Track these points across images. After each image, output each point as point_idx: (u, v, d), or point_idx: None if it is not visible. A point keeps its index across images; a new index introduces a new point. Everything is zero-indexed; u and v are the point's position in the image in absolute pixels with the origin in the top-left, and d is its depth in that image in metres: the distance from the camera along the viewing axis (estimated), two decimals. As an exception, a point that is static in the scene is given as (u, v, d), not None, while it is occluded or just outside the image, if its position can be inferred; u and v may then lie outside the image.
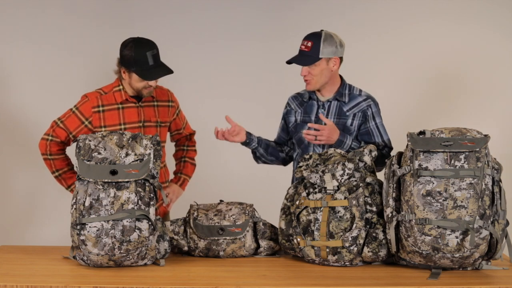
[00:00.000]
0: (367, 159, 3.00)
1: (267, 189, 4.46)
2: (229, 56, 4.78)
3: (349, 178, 2.96)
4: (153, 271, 2.84)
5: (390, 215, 2.83)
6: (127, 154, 2.91)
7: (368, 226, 2.90)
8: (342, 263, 2.90)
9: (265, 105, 4.63)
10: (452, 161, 2.76)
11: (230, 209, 3.14)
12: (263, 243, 3.12)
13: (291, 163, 3.57)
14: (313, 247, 2.91)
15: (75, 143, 2.98)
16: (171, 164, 3.71)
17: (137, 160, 2.90)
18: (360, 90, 3.40)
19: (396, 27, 4.75)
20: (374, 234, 2.89)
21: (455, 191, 2.71)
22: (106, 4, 4.71)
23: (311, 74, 3.30)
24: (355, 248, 2.87)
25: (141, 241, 2.81)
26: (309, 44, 3.28)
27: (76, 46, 4.68)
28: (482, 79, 4.74)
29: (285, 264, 3.01)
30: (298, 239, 2.94)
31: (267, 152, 3.48)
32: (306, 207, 2.96)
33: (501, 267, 2.87)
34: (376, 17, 4.77)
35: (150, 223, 2.83)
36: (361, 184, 2.94)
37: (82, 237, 2.79)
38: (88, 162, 2.88)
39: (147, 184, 2.89)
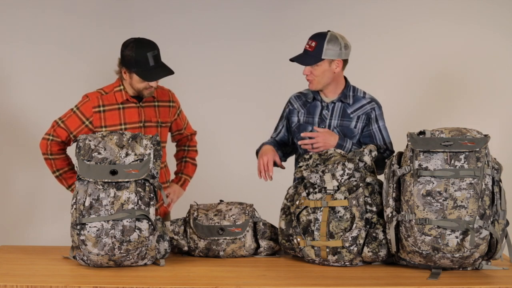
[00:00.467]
0: (367, 159, 3.00)
1: (267, 189, 4.44)
2: (229, 56, 4.78)
3: (349, 178, 2.96)
4: (153, 271, 2.84)
5: (390, 215, 2.83)
6: (127, 154, 2.91)
7: (368, 226, 2.90)
8: (342, 263, 2.90)
9: (265, 105, 4.63)
10: (452, 161, 2.76)
11: (230, 209, 3.14)
12: (263, 243, 3.12)
13: (292, 163, 3.57)
14: (313, 247, 2.91)
15: (75, 143, 2.98)
16: (172, 164, 3.71)
17: (137, 160, 2.90)
18: (364, 93, 3.39)
19: (396, 27, 4.75)
20: (374, 234, 2.89)
21: (455, 191, 2.71)
22: (106, 4, 4.71)
23: (313, 74, 3.29)
24: (355, 248, 2.87)
25: (141, 241, 2.81)
26: (313, 44, 3.27)
27: (76, 46, 4.68)
28: (482, 79, 4.74)
29: (285, 264, 3.01)
30: (298, 239, 2.94)
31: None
32: (306, 207, 2.96)
33: (501, 267, 2.87)
34: (376, 17, 4.76)
35: (150, 223, 2.83)
36: (361, 184, 2.94)
37: (82, 237, 2.79)
38: (88, 162, 2.88)
39: (147, 184, 2.89)
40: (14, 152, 4.68)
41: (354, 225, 2.86)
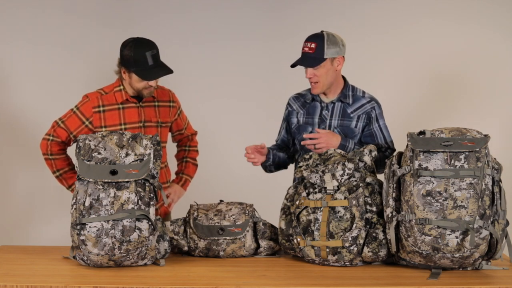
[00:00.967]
0: (367, 159, 3.00)
1: (267, 189, 4.46)
2: (229, 56, 4.78)
3: (349, 178, 2.96)
4: (153, 271, 2.84)
5: (390, 215, 2.83)
6: (127, 154, 2.91)
7: (368, 226, 2.90)
8: (342, 263, 2.90)
9: (265, 105, 4.63)
10: (452, 161, 2.76)
11: (230, 209, 3.14)
12: (263, 243, 3.12)
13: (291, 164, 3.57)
14: (313, 247, 2.91)
15: (76, 143, 2.98)
16: (173, 164, 3.71)
17: (137, 160, 2.90)
18: (363, 92, 3.39)
19: (396, 27, 4.76)
20: (374, 234, 2.89)
21: (455, 191, 2.71)
22: (106, 4, 4.71)
23: (316, 75, 3.28)
24: (355, 248, 2.87)
25: (141, 241, 2.81)
26: (313, 45, 3.26)
27: (76, 46, 4.69)
28: (482, 79, 4.74)
29: (285, 264, 3.01)
30: (298, 239, 2.94)
31: (278, 165, 3.47)
32: (306, 207, 2.96)
33: (501, 267, 2.87)
34: (376, 17, 4.77)
35: (150, 223, 2.83)
36: (361, 184, 2.94)
37: (82, 237, 2.79)
38: (88, 162, 2.88)
39: (147, 184, 2.89)
40: (14, 152, 4.68)
41: (354, 225, 2.86)
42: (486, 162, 2.76)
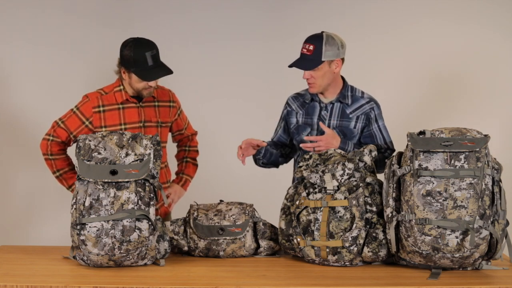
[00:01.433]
0: (367, 159, 3.00)
1: (267, 189, 4.46)
2: (229, 56, 4.78)
3: (349, 178, 2.96)
4: (153, 271, 2.84)
5: (390, 215, 2.83)
6: (127, 154, 2.91)
7: (368, 226, 2.90)
8: (342, 263, 2.90)
9: (265, 105, 4.63)
10: (452, 161, 2.76)
11: (230, 209, 3.14)
12: (263, 243, 3.12)
13: (292, 163, 3.57)
14: (313, 247, 2.91)
15: (76, 143, 2.98)
16: (173, 164, 3.71)
17: (137, 160, 2.90)
18: (363, 92, 3.39)
19: (396, 27, 4.75)
20: (374, 234, 2.89)
21: (455, 191, 2.71)
22: (106, 4, 4.71)
23: (313, 77, 3.28)
24: (355, 248, 2.87)
25: (141, 241, 2.81)
26: (311, 47, 3.25)
27: (76, 46, 4.69)
28: (482, 79, 4.74)
29: (285, 264, 3.01)
30: (298, 239, 2.94)
31: (269, 161, 3.46)
32: (306, 207, 2.96)
33: (501, 267, 2.87)
34: (376, 17, 4.77)
35: (150, 223, 2.83)
36: (361, 184, 2.94)
37: (82, 237, 2.79)
38: (88, 162, 2.88)
39: (147, 184, 2.89)
40: (14, 152, 4.68)
41: (354, 225, 2.86)
42: (486, 162, 2.76)
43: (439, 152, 2.78)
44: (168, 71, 3.32)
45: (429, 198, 2.72)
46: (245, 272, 2.85)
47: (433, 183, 2.74)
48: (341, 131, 3.34)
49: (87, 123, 3.39)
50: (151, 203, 2.86)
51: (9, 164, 4.70)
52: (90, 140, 2.94)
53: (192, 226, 3.10)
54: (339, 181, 2.94)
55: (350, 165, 2.95)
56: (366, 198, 2.92)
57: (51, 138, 3.41)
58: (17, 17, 4.65)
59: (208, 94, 4.78)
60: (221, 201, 3.23)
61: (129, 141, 2.95)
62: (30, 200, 4.74)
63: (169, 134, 3.66)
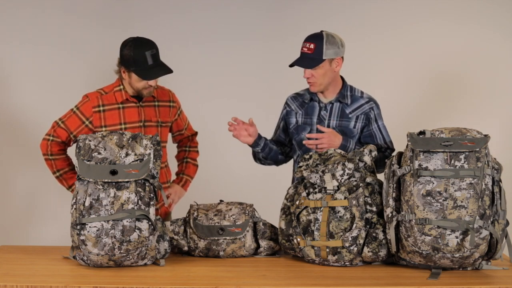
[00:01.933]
0: (367, 159, 3.00)
1: (267, 189, 4.46)
2: (229, 56, 4.78)
3: (349, 178, 2.96)
4: (153, 271, 2.84)
5: (390, 215, 2.83)
6: (127, 154, 2.91)
7: (368, 226, 2.90)
8: (342, 263, 2.90)
9: (265, 105, 4.62)
10: (452, 161, 2.76)
11: (230, 209, 3.14)
12: (263, 243, 3.12)
13: (292, 163, 3.57)
14: (313, 247, 2.91)
15: (76, 143, 2.98)
16: (173, 165, 3.71)
17: (137, 160, 2.90)
18: (362, 92, 3.39)
19: (396, 27, 4.75)
20: (374, 234, 2.89)
21: (455, 191, 2.71)
22: (106, 4, 4.71)
23: (314, 76, 3.28)
24: (355, 248, 2.87)
25: (141, 241, 2.81)
26: (312, 46, 3.26)
27: (76, 46, 4.69)
28: (482, 79, 4.74)
29: (285, 264, 3.01)
30: (298, 239, 2.94)
31: (268, 157, 3.46)
32: (306, 207, 2.96)
33: (501, 267, 2.87)
34: (376, 17, 4.77)
35: (150, 223, 2.83)
36: (361, 184, 2.94)
37: (82, 237, 2.79)
38: (88, 162, 2.88)
39: (147, 184, 2.89)
40: (14, 152, 4.68)
41: (354, 225, 2.86)
42: (486, 162, 2.76)
43: (439, 152, 2.78)
44: (168, 70, 3.32)
45: (429, 198, 2.72)
46: (245, 272, 2.85)
47: (433, 183, 2.74)
48: (341, 131, 3.34)
49: (87, 123, 3.39)
50: (151, 203, 2.86)
51: (9, 164, 4.69)
52: (90, 140, 2.94)
53: (192, 226, 3.10)
54: (339, 181, 2.94)
55: (350, 165, 2.95)
56: (366, 198, 2.92)
57: (51, 138, 3.41)
58: (17, 17, 4.65)
59: (208, 94, 4.77)
60: (221, 201, 3.23)
61: (129, 141, 2.95)
62: (30, 200, 4.74)
63: (169, 134, 3.66)
